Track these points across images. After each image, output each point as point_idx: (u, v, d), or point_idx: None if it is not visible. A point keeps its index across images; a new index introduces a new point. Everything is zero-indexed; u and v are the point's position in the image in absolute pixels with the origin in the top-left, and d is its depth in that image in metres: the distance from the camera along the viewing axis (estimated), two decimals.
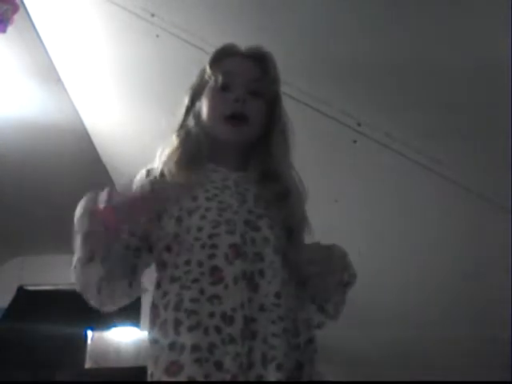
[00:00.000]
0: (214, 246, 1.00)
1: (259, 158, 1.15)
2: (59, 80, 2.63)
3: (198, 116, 1.16)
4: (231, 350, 0.92)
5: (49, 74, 2.58)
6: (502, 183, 1.74)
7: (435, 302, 2.26)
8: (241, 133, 1.12)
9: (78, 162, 3.23)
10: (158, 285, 1.03)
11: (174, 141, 1.16)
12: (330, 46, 1.79)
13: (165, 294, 1.00)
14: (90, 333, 4.05)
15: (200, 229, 1.02)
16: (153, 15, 1.98)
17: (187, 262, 1.00)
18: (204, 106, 1.15)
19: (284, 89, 1.92)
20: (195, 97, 1.18)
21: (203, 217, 1.03)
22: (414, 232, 2.16)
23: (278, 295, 0.99)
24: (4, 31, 2.15)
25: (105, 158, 3.21)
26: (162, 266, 1.04)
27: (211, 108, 1.14)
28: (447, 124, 1.77)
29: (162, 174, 1.11)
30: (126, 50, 2.27)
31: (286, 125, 1.19)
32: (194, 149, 1.13)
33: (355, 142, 1.94)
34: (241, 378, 0.91)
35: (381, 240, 2.26)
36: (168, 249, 1.04)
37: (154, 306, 1.01)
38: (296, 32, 1.81)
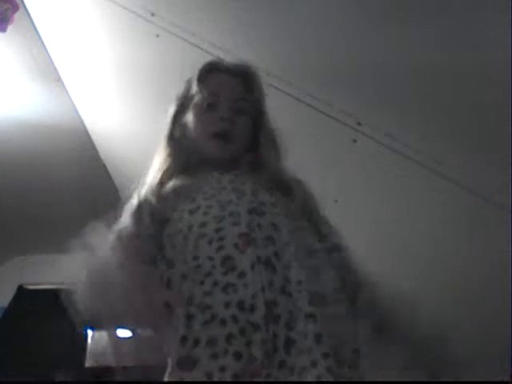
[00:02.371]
0: (221, 239, 1.01)
1: (247, 157, 1.18)
2: (59, 79, 2.63)
3: (184, 128, 1.19)
4: (257, 338, 0.92)
5: (49, 73, 2.58)
6: (502, 183, 1.74)
7: (435, 302, 2.26)
8: (226, 150, 1.16)
9: (77, 162, 3.23)
10: (169, 283, 1.02)
11: (164, 153, 1.19)
12: (331, 46, 1.79)
13: (178, 291, 1.00)
14: (89, 332, 4.04)
15: (204, 224, 1.03)
16: (153, 14, 1.98)
17: (195, 258, 1.00)
18: (191, 122, 1.19)
19: (285, 88, 1.93)
20: (182, 108, 1.21)
21: (206, 213, 1.05)
22: (414, 231, 2.16)
23: (295, 280, 0.99)
24: (4, 30, 2.15)
25: (105, 158, 3.21)
26: (170, 264, 1.04)
27: (198, 126, 1.17)
28: (447, 124, 1.77)
29: (158, 184, 1.13)
30: (126, 49, 2.26)
31: (274, 133, 1.22)
32: (184, 162, 1.17)
33: (355, 141, 1.94)
34: (266, 365, 0.90)
35: (381, 240, 2.26)
36: (173, 246, 1.05)
37: (168, 305, 0.99)
38: (297, 32, 1.80)
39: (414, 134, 1.85)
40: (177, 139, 1.19)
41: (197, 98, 1.18)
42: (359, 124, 1.89)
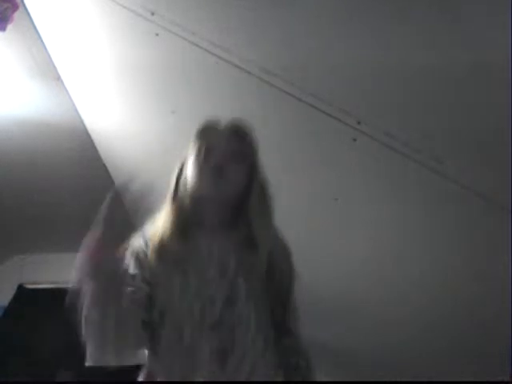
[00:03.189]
0: (194, 323, 1.15)
1: (244, 219, 1.25)
2: (59, 78, 2.63)
3: (185, 184, 1.27)
4: None
5: (48, 72, 2.58)
6: (502, 183, 1.74)
7: (435, 302, 2.26)
8: (220, 185, 1.22)
9: (77, 161, 3.22)
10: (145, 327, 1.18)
11: (167, 208, 1.27)
12: (331, 45, 1.78)
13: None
14: None
15: (190, 308, 1.16)
16: (153, 13, 1.97)
17: (174, 328, 1.16)
18: (189, 172, 1.26)
19: (285, 88, 1.92)
20: (184, 166, 1.29)
21: (190, 293, 1.17)
22: (414, 231, 2.16)
23: (246, 372, 1.14)
24: (4, 29, 2.15)
25: (105, 157, 3.21)
26: (161, 315, 1.19)
27: (194, 168, 1.25)
28: (447, 124, 1.77)
29: (160, 242, 1.23)
30: (125, 48, 2.26)
31: (264, 189, 1.29)
32: (184, 223, 1.25)
33: (355, 140, 1.94)
34: None
35: (380, 238, 2.26)
36: (161, 315, 1.18)
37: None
38: (297, 32, 1.80)
39: (414, 134, 1.85)
40: (179, 196, 1.27)
41: (195, 151, 1.26)
42: (359, 123, 1.89)
